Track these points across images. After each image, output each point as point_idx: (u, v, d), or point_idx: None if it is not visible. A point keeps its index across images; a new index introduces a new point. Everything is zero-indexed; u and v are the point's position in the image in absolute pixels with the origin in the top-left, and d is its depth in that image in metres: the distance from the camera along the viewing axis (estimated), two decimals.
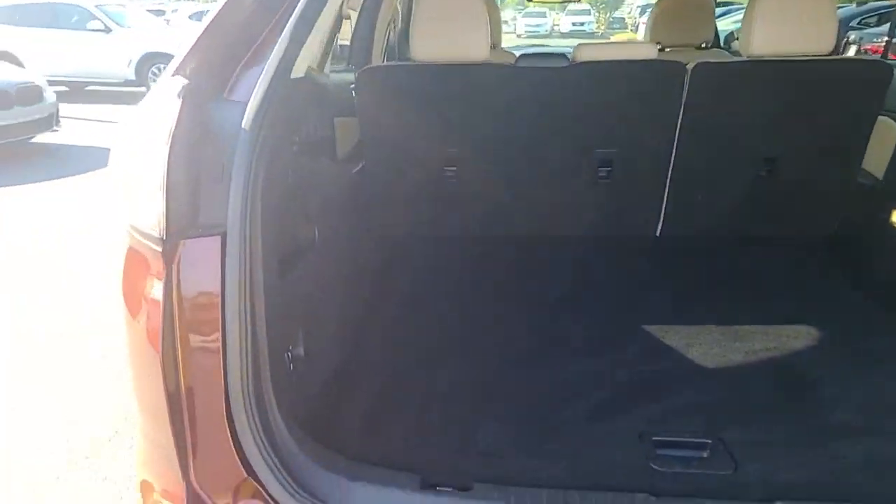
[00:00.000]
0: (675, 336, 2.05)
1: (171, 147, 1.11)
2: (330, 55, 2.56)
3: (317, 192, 1.81)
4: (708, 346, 1.99)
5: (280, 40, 1.26)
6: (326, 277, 1.85)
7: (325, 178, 1.96)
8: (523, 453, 1.54)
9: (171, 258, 1.16)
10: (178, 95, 1.14)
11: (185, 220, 1.15)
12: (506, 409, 1.71)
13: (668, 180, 2.48)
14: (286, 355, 1.46)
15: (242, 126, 1.17)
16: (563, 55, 2.54)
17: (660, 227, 2.59)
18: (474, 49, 2.18)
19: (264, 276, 1.22)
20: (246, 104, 1.19)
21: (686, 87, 2.28)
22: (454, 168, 2.49)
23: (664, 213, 2.56)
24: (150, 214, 1.15)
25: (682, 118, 2.34)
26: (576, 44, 2.70)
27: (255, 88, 1.21)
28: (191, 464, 1.20)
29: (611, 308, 2.27)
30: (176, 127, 1.13)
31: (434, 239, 2.67)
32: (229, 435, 1.18)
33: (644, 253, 2.59)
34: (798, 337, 2.02)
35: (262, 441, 1.20)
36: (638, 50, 2.42)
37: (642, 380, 1.83)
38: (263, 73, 1.22)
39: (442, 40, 2.19)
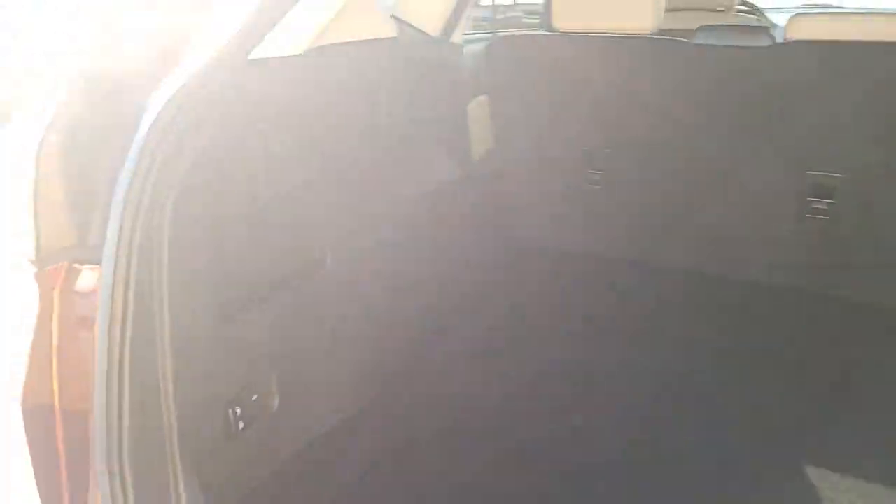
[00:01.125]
0: None
1: (41, 149, 0.89)
2: (464, 17, 1.95)
3: (329, 206, 1.42)
4: None
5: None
6: (344, 307, 1.43)
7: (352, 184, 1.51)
8: None
9: (50, 286, 0.94)
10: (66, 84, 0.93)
11: (62, 240, 0.93)
12: None
13: None
14: (231, 412, 1.14)
15: (139, 128, 0.89)
16: (763, 28, 1.97)
17: None
18: (637, 16, 1.64)
19: (179, 315, 0.98)
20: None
21: None
22: (600, 172, 1.94)
23: None
24: (21, 233, 0.94)
25: None
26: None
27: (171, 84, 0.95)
28: None
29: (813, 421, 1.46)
30: (56, 112, 0.91)
31: (557, 255, 2.08)
32: None
33: (889, 332, 1.69)
34: None
35: None
36: None
37: None
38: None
39: (592, 2, 1.68)
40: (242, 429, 1.12)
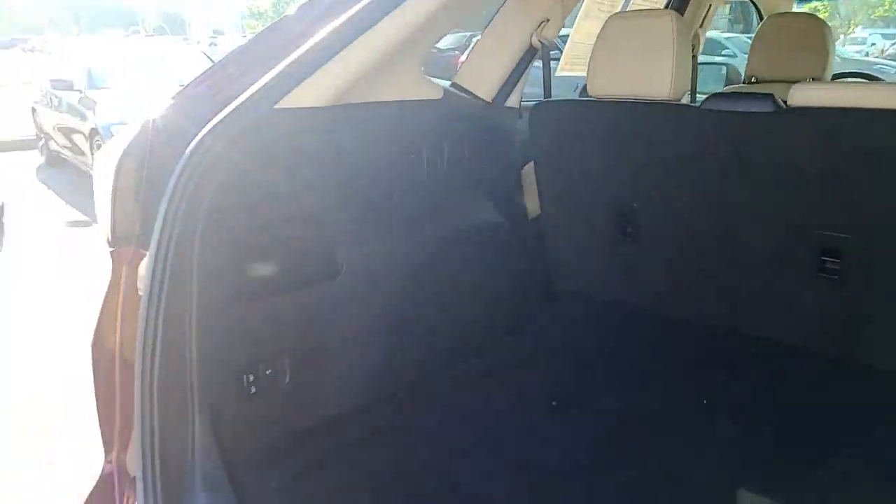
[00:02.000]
0: None
1: (123, 155, 1.24)
2: (521, 81, 2.20)
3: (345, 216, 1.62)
4: None
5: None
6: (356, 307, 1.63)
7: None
8: None
9: (119, 262, 1.29)
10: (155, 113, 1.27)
11: (131, 228, 1.27)
12: None
13: None
14: (245, 378, 1.40)
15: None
16: (768, 95, 2.23)
17: None
18: (654, 83, 1.81)
19: (204, 294, 1.26)
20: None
21: None
22: (631, 227, 2.08)
23: None
24: (104, 222, 1.29)
25: None
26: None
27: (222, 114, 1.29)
28: (115, 450, 1.32)
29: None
30: (135, 137, 1.25)
31: (584, 300, 2.24)
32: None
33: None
34: None
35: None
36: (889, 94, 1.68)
37: None
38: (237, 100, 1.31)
39: (622, 71, 1.86)
40: (254, 393, 1.39)
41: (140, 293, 1.24)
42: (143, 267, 1.24)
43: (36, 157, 8.69)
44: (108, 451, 1.31)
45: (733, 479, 1.48)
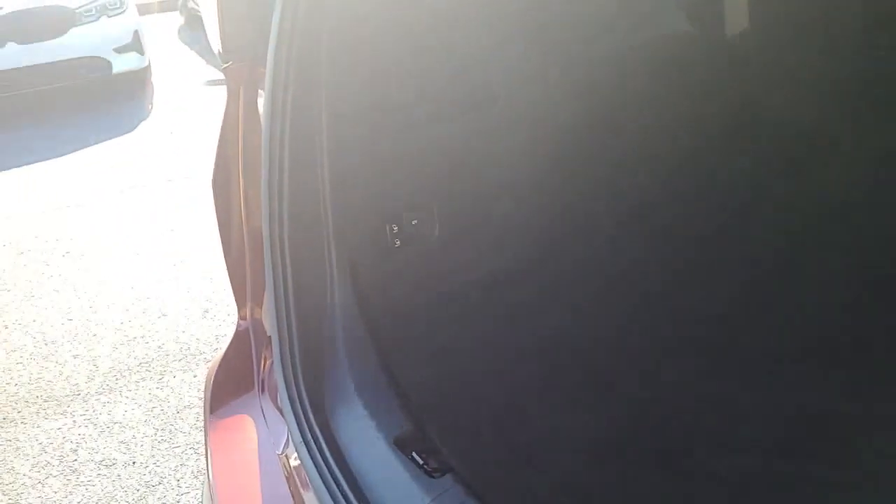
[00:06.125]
0: None
1: None
2: None
3: None
4: None
5: None
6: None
7: None
8: None
9: (235, 82, 1.03)
10: None
11: (243, 42, 1.00)
12: None
13: None
14: (388, 227, 1.15)
15: None
16: None
17: None
18: None
19: (336, 122, 1.01)
20: None
21: None
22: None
23: None
24: (214, 35, 1.02)
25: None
26: None
27: None
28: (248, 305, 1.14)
29: None
30: None
31: None
32: None
33: None
34: None
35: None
36: None
37: None
38: None
39: None
40: (398, 246, 1.16)
41: (262, 120, 0.98)
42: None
43: (177, 19, 8.80)
44: (240, 307, 1.14)
45: None
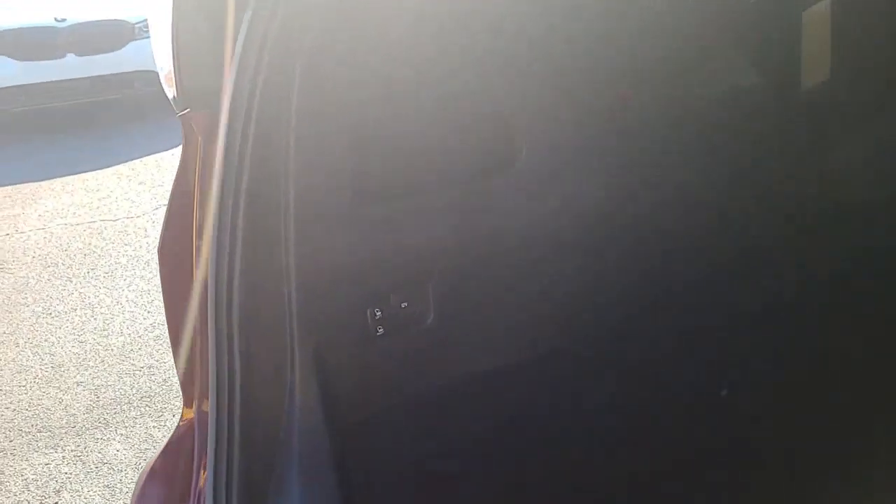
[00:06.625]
0: None
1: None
2: None
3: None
4: None
5: None
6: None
7: None
8: None
9: (193, 131, 0.86)
10: None
11: (206, 80, 0.83)
12: None
13: None
14: (370, 312, 0.95)
15: None
16: None
17: None
18: None
19: (306, 181, 0.83)
20: None
21: None
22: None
23: None
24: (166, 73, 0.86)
25: None
26: None
27: None
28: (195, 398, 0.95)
29: None
30: None
31: None
32: None
33: None
34: None
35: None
36: None
37: None
38: None
39: None
40: (381, 335, 0.94)
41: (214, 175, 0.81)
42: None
43: None
44: (186, 401, 0.96)
45: None
